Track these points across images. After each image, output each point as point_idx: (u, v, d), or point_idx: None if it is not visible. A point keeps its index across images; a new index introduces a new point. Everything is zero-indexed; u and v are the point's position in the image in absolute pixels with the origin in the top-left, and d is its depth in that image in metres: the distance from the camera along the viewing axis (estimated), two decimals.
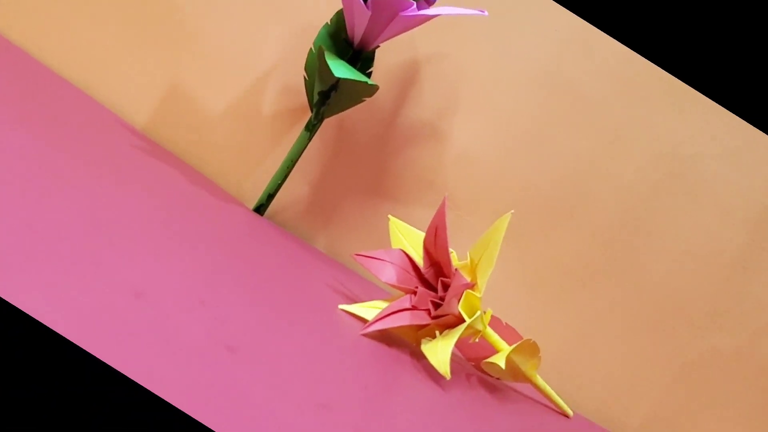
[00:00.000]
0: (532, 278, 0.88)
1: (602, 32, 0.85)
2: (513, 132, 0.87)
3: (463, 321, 0.66)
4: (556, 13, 0.85)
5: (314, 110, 0.81)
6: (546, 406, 0.78)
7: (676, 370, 0.88)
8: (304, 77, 0.82)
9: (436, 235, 0.70)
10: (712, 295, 0.87)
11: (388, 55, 0.85)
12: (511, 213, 0.67)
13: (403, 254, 0.71)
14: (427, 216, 0.84)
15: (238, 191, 0.87)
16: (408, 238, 0.74)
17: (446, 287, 0.67)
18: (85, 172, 0.64)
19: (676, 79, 0.86)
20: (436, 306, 0.67)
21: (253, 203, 0.86)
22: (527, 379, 0.75)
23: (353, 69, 0.76)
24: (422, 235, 0.73)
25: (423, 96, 0.87)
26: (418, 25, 0.77)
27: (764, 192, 0.86)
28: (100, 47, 0.87)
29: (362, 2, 0.74)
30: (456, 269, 0.66)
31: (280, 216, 0.87)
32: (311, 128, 0.82)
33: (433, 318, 0.66)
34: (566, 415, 0.78)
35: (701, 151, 0.86)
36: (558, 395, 0.77)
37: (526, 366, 0.74)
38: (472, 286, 0.64)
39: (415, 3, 0.75)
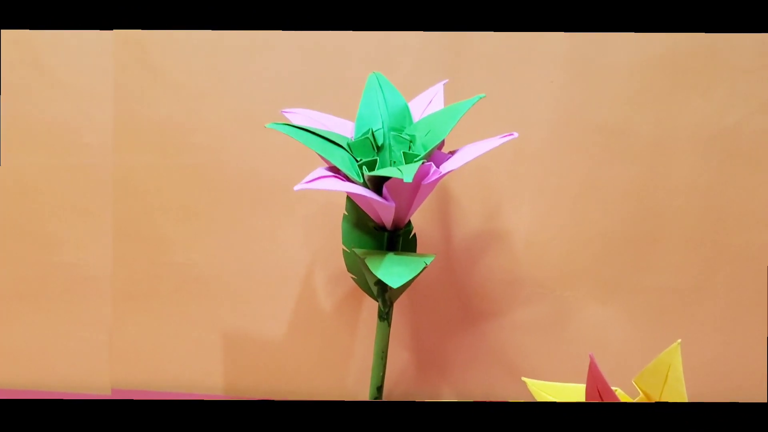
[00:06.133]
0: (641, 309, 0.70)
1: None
2: (553, 200, 0.67)
3: None
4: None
5: (379, 300, 0.62)
6: None
7: None
8: (352, 278, 0.62)
9: (602, 398, 0.51)
10: None
11: None
12: (678, 342, 0.49)
13: None
14: (535, 316, 0.66)
15: (344, 391, 0.69)
16: (558, 395, 0.57)
17: None
18: None
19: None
20: None
21: (360, 394, 0.68)
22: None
23: (405, 263, 0.56)
24: (571, 387, 0.55)
25: (462, 209, 0.67)
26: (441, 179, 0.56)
27: None
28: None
29: (380, 198, 0.53)
30: None
31: (396, 392, 0.69)
32: (385, 317, 0.62)
33: None
34: None
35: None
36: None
37: None
38: None
39: (432, 163, 0.54)
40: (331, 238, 0.65)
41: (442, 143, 0.58)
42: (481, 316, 0.69)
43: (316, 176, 0.53)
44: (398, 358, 0.68)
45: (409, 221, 0.61)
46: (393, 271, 0.55)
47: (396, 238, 0.60)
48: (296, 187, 0.51)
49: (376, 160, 0.55)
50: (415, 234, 0.62)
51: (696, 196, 0.68)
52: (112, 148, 0.65)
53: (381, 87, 0.58)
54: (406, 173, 0.51)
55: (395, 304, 0.68)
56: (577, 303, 0.69)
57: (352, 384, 0.69)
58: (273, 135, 0.64)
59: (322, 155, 0.54)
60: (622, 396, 0.55)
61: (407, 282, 0.59)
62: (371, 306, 0.67)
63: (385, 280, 0.54)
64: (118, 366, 0.67)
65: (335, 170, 0.55)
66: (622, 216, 0.68)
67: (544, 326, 0.69)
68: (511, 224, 0.68)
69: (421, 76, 0.63)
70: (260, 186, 0.66)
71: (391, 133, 0.57)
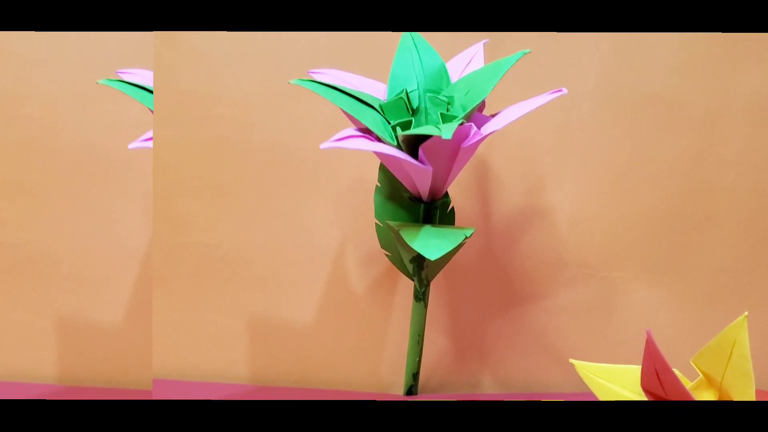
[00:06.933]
0: (693, 292, 0.64)
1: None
2: (598, 175, 0.62)
3: None
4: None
5: (415, 279, 0.57)
6: None
7: None
8: (386, 254, 0.57)
9: (660, 380, 0.46)
10: None
11: None
12: (745, 315, 0.43)
13: None
14: (580, 298, 0.61)
15: (378, 379, 0.64)
16: (610, 378, 0.51)
17: None
18: None
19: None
20: None
21: (395, 381, 0.63)
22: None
23: (443, 235, 0.52)
24: (624, 368, 0.50)
25: (502, 184, 0.62)
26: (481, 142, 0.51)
27: None
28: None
29: (416, 162, 0.48)
30: None
31: (433, 380, 0.64)
32: (421, 297, 0.58)
33: None
34: None
35: None
36: None
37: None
38: None
39: (472, 124, 0.49)
40: (363, 214, 0.60)
41: (483, 105, 0.54)
42: (522, 299, 0.64)
43: (346, 135, 0.48)
44: (435, 343, 0.64)
45: (447, 193, 0.56)
46: (430, 243, 0.50)
47: (433, 210, 0.55)
48: (323, 146, 0.47)
49: (411, 121, 0.51)
50: (453, 207, 0.58)
51: (750, 170, 0.63)
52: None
53: (416, 46, 0.53)
54: (445, 130, 0.46)
55: (431, 286, 0.63)
56: (625, 284, 0.64)
57: (386, 371, 0.64)
58: (302, 105, 0.60)
59: (352, 115, 0.50)
60: (680, 378, 0.49)
61: (446, 256, 0.54)
62: (406, 286, 0.63)
63: (422, 253, 0.49)
64: (132, 354, 0.62)
65: (366, 132, 0.51)
66: (672, 192, 0.63)
67: (589, 309, 0.64)
68: (554, 201, 0.63)
69: (459, 39, 0.59)
70: (288, 160, 0.62)
71: (428, 94, 0.53)
